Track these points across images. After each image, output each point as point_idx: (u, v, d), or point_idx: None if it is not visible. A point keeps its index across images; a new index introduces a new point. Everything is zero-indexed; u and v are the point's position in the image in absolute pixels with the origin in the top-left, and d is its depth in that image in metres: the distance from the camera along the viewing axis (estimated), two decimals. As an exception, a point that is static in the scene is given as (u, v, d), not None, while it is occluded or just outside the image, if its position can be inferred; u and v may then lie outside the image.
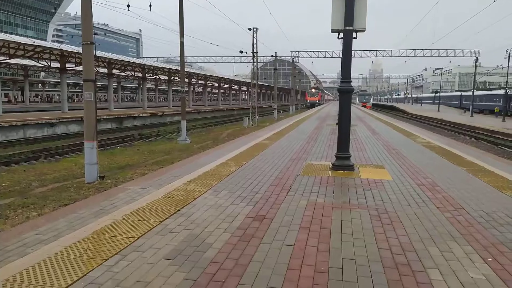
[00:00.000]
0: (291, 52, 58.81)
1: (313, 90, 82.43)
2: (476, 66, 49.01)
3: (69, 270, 2.97)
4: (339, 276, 2.95)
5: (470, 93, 51.90)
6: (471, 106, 47.46)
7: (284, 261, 3.21)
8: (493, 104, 50.45)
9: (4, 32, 55.39)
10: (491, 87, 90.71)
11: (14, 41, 24.67)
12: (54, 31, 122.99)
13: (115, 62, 35.65)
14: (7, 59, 28.98)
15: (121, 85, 70.33)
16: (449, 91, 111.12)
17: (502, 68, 59.02)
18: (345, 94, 7.32)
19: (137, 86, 74.58)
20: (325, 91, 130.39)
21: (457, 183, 6.22)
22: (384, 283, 2.85)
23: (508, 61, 38.76)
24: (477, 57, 49.38)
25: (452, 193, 5.55)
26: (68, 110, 30.36)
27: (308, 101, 76.15)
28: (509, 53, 38.84)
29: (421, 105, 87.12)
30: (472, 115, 45.09)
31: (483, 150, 13.84)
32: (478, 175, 6.92)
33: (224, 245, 3.54)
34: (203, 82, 60.96)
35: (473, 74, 49.78)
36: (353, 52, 7.43)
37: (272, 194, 5.43)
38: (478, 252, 3.44)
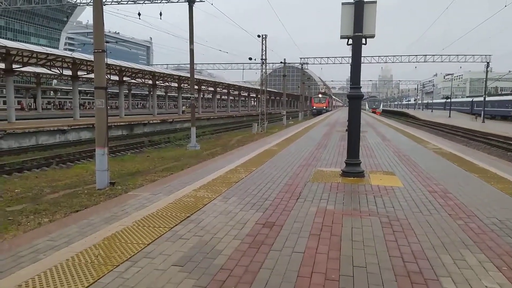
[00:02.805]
0: (300, 58, 58.67)
1: (320, 95, 76.64)
2: (487, 71, 48.42)
3: (80, 277, 3.00)
4: (350, 284, 2.92)
5: (481, 98, 51.25)
6: (482, 112, 46.88)
7: (294, 268, 3.19)
8: (505, 110, 49.75)
9: (18, 40, 56.51)
10: (503, 92, 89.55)
11: (27, 50, 25.14)
12: (66, 39, 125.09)
13: (126, 70, 36.06)
14: (21, 67, 29.49)
15: (132, 92, 71.13)
16: (460, 96, 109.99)
17: (515, 73, 58.26)
18: (354, 100, 7.30)
19: (147, 93, 75.28)
20: (333, 97, 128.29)
21: (469, 190, 6.13)
22: (395, 291, 2.82)
23: (520, 66, 38.23)
24: (488, 62, 48.72)
25: (464, 200, 5.47)
26: (80, 117, 30.76)
27: (314, 107, 70.23)
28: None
29: (432, 111, 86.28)
30: (483, 121, 44.50)
31: (495, 156, 13.63)
32: (490, 182, 6.82)
33: (234, 252, 3.53)
34: (212, 89, 61.34)
35: (485, 79, 49.20)
36: (362, 58, 7.42)
37: (281, 200, 5.41)
38: (492, 261, 3.38)
